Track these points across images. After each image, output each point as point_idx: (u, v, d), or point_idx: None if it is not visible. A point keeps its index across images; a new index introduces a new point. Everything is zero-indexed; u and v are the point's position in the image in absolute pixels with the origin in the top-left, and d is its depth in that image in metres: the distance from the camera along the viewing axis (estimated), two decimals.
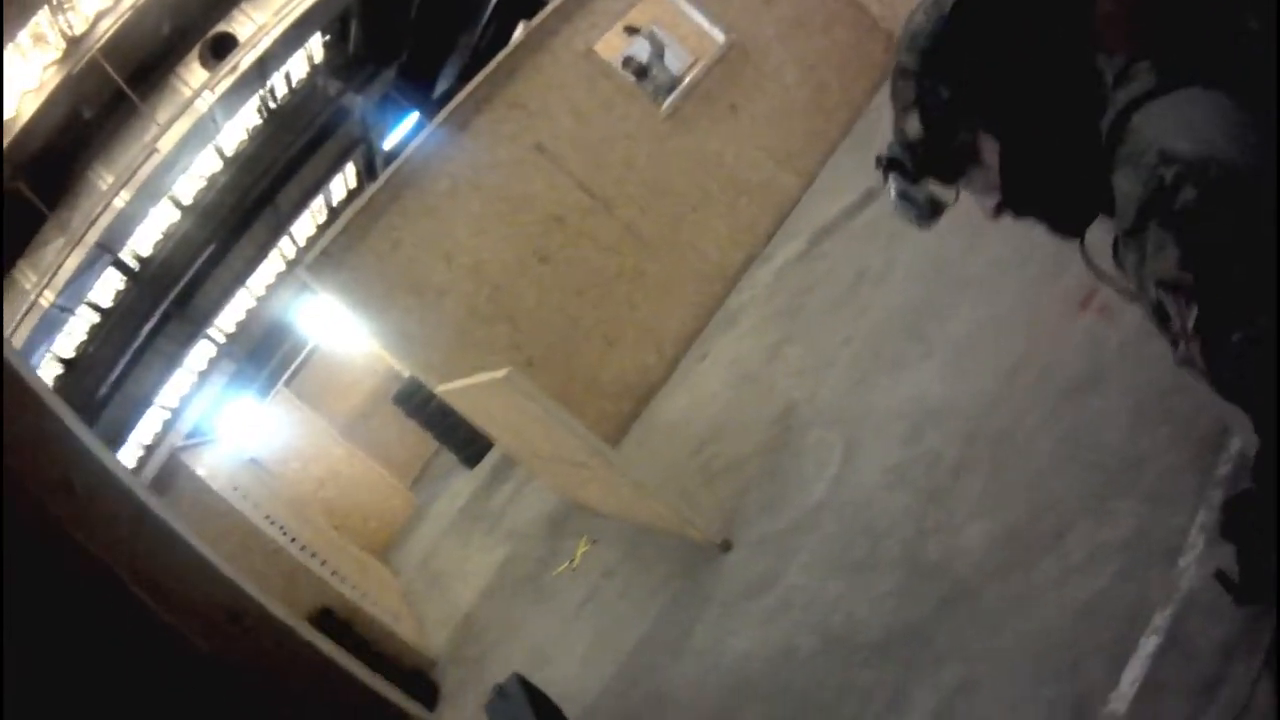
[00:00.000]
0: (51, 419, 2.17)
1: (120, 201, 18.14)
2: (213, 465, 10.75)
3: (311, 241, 24.63)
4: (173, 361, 23.77)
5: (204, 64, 18.82)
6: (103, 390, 21.32)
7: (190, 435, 14.78)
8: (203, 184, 21.09)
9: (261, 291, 26.41)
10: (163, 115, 18.33)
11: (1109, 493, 3.29)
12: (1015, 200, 2.19)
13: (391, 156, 9.02)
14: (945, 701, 3.25)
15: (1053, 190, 2.13)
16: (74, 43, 16.23)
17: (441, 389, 9.09)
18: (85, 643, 2.07)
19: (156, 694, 2.16)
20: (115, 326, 20.85)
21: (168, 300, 21.66)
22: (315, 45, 22.04)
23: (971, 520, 3.90)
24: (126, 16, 16.46)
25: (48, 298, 17.75)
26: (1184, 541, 2.80)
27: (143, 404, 23.49)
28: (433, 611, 11.14)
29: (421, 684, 8.89)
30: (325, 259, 9.24)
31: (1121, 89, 1.84)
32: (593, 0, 10.25)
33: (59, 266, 17.58)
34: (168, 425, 24.34)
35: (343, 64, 23.42)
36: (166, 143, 18.36)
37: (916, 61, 2.12)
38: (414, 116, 26.21)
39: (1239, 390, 1.69)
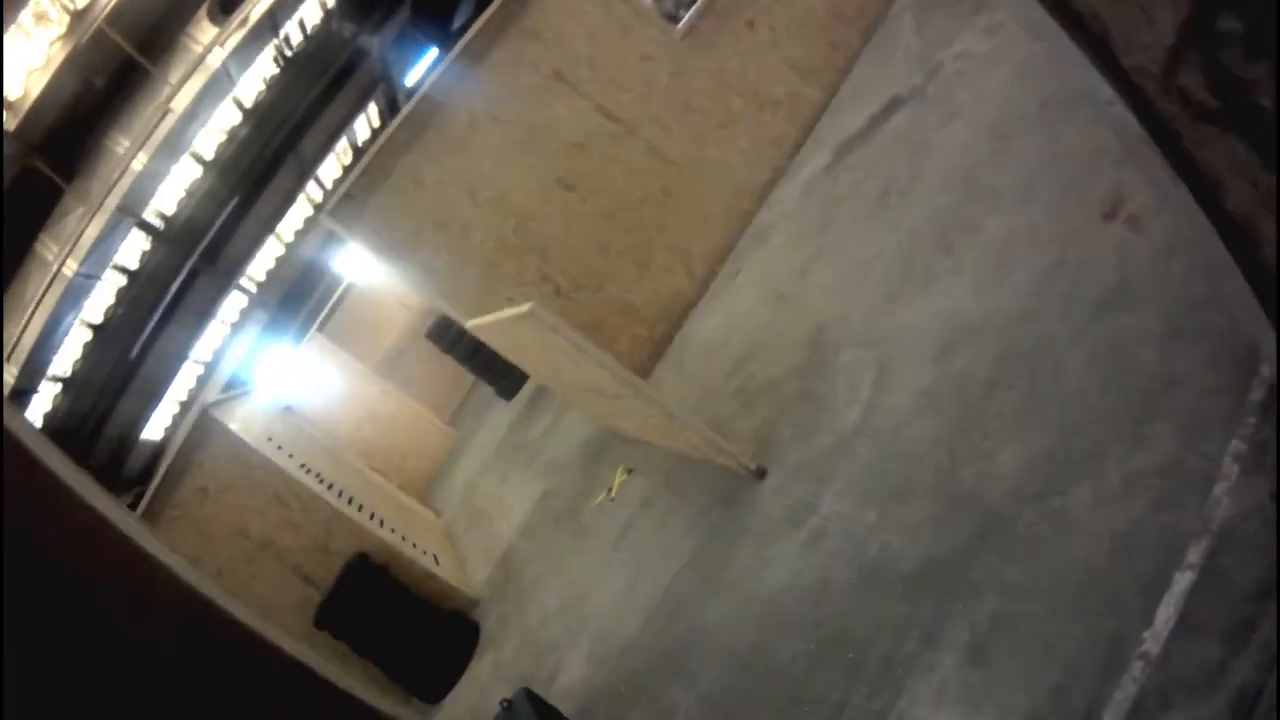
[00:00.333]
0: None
1: (138, 164, 18.10)
2: (246, 418, 10.81)
3: (338, 183, 24.57)
4: (205, 316, 23.91)
5: (213, 20, 18.61)
6: (135, 351, 21.53)
7: (227, 387, 14.87)
8: (223, 138, 20.99)
9: (290, 238, 26.43)
10: (175, 75, 18.21)
11: (1143, 415, 3.19)
12: None
13: (413, 93, 8.92)
14: (980, 637, 3.19)
15: None
16: (78, 16, 16.14)
17: (472, 324, 9.05)
18: (60, 661, 2.04)
19: (133, 712, 2.13)
20: (144, 287, 20.97)
21: (195, 255, 21.69)
22: None
23: (1005, 445, 3.81)
24: None
25: (71, 267, 17.86)
26: (1218, 470, 2.70)
27: (177, 361, 23.71)
28: (473, 549, 11.24)
29: (463, 625, 8.99)
30: (348, 202, 9.17)
31: None
32: None
33: (80, 235, 17.66)
34: (202, 380, 24.61)
35: (357, 5, 23.10)
36: (181, 101, 18.26)
37: None
38: (433, 52, 25.87)
39: None
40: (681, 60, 10.03)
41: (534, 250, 9.60)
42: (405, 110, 9.41)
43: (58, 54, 16.08)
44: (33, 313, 17.88)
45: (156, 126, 18.02)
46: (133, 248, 20.31)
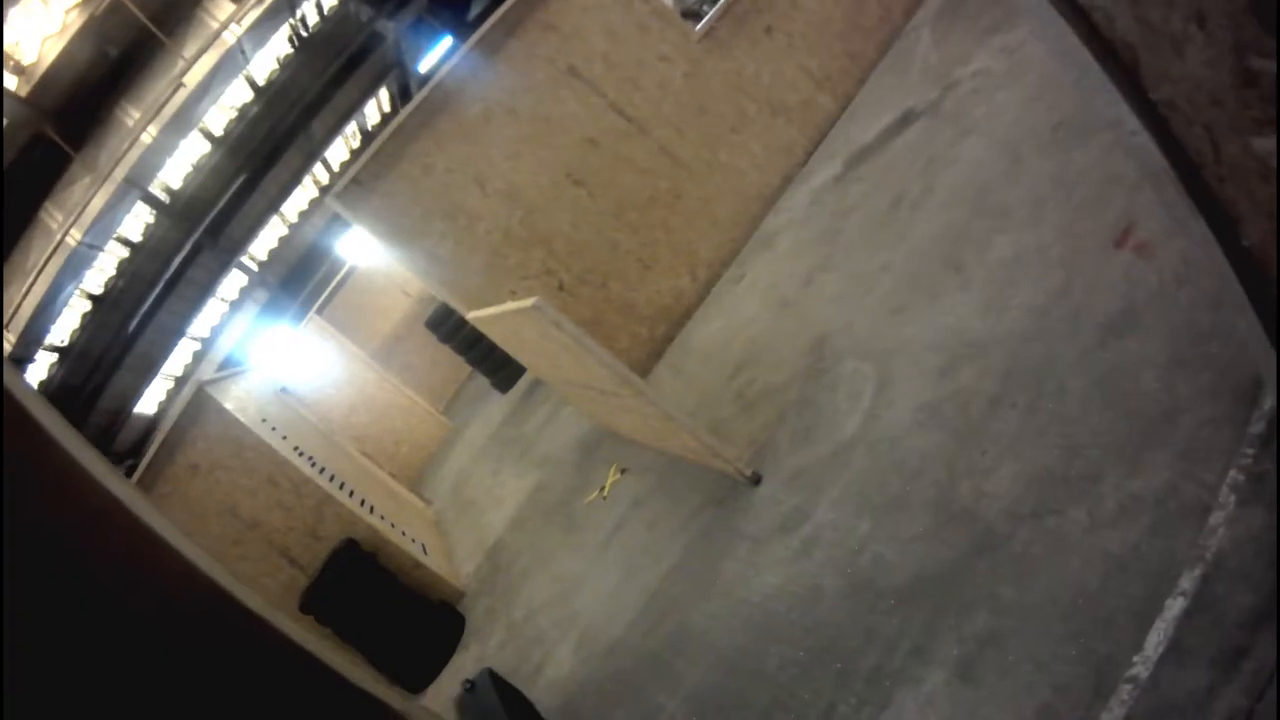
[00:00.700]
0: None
1: (147, 137, 18.10)
2: (241, 397, 10.79)
3: (345, 167, 24.54)
4: (205, 292, 23.90)
5: None
6: (133, 324, 21.50)
7: (223, 366, 14.86)
8: (234, 114, 20.98)
9: (294, 219, 26.41)
10: (189, 49, 18.21)
11: (1143, 441, 3.21)
12: None
13: (426, 80, 8.87)
14: (970, 653, 3.21)
15: None
16: None
17: (473, 315, 9.06)
18: (58, 639, 2.04)
19: (131, 690, 2.14)
20: (146, 260, 20.95)
21: (199, 231, 21.69)
22: None
23: (1003, 462, 3.83)
24: None
25: (75, 236, 17.85)
26: (1215, 500, 2.72)
27: (174, 336, 23.69)
28: (463, 540, 11.24)
29: (449, 616, 8.99)
30: (356, 186, 9.17)
31: None
32: None
33: (85, 205, 17.65)
34: (199, 357, 24.58)
35: None
36: (194, 76, 18.26)
37: None
38: (448, 41, 25.86)
39: None
40: (698, 62, 10.05)
41: (539, 244, 9.61)
42: (418, 97, 9.41)
43: (74, 21, 16.06)
44: (33, 281, 17.87)
45: (168, 100, 18.02)
46: (137, 220, 20.30)
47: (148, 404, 24.13)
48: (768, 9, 10.32)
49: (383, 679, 8.51)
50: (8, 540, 1.90)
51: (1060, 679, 2.81)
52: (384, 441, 18.70)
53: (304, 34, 21.35)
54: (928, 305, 5.53)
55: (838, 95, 10.44)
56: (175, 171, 20.37)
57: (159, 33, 17.72)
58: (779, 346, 7.14)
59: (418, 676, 8.53)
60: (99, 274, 20.19)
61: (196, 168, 20.87)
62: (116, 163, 17.78)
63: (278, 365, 18.98)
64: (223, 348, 25.14)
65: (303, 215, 26.50)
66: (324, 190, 25.46)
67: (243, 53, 19.23)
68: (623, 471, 8.04)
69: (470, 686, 4.81)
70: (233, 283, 25.59)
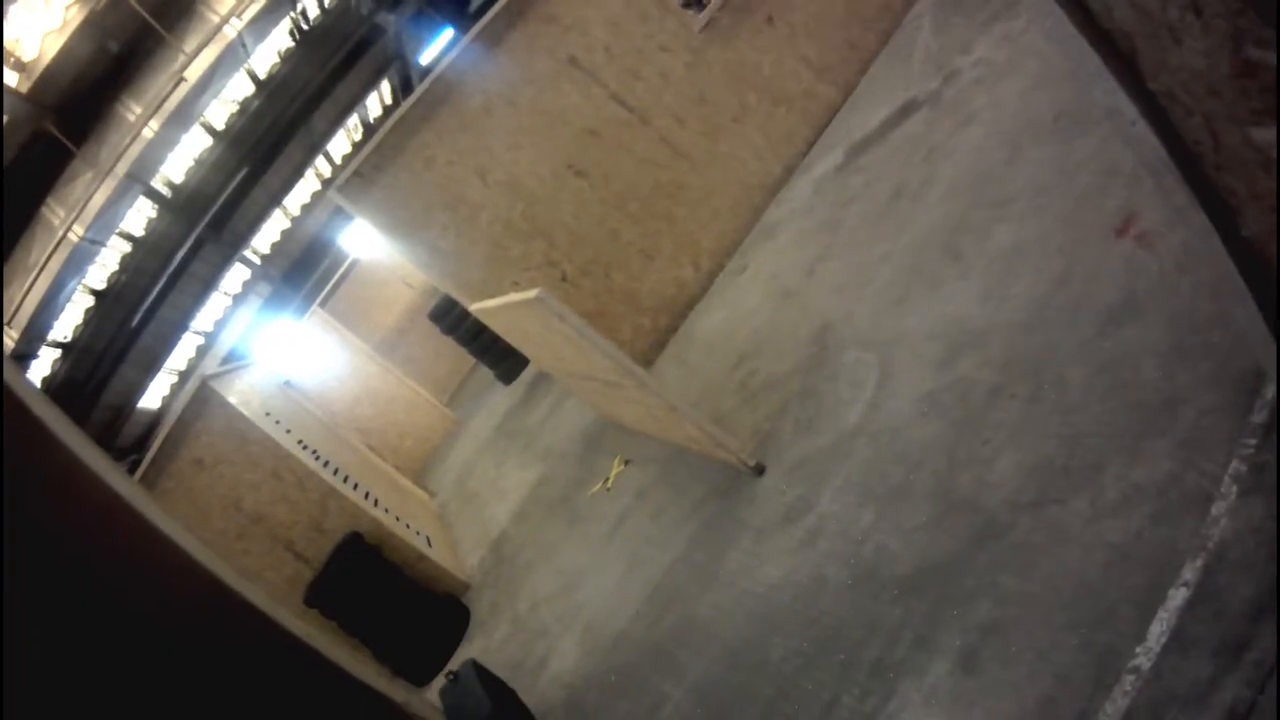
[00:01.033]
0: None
1: (149, 132, 18.11)
2: (245, 391, 10.79)
3: (347, 159, 24.53)
4: (207, 286, 23.93)
5: None
6: (136, 319, 21.52)
7: (226, 360, 14.86)
8: (235, 108, 20.99)
9: (297, 212, 26.41)
10: (190, 44, 18.20)
11: (1144, 431, 3.20)
12: None
13: (427, 72, 8.85)
14: (973, 643, 3.21)
15: None
16: None
17: (475, 307, 9.06)
18: (61, 635, 2.05)
19: (132, 684, 2.15)
20: (148, 255, 20.97)
21: (201, 225, 21.71)
22: None
23: (1005, 452, 3.83)
24: None
25: (77, 232, 17.86)
26: (1217, 490, 2.72)
27: (177, 330, 23.72)
28: (467, 533, 11.25)
29: (454, 609, 9.00)
30: (357, 179, 9.17)
31: None
32: None
33: (87, 200, 17.65)
34: (202, 351, 24.61)
35: None
36: (195, 71, 18.26)
37: None
38: (449, 32, 25.81)
39: None
40: (699, 52, 10.03)
41: (541, 235, 9.61)
42: (419, 89, 9.40)
43: (74, 17, 16.06)
44: (36, 277, 17.90)
45: (169, 95, 18.01)
46: (139, 215, 20.31)
47: (151, 399, 24.18)
48: None
49: (387, 672, 8.55)
50: (10, 538, 1.91)
51: (1062, 669, 2.81)
52: (388, 434, 18.72)
53: (305, 27, 21.34)
54: (929, 295, 5.52)
55: (839, 85, 10.41)
56: (177, 166, 20.39)
57: (159, 27, 17.72)
58: (781, 337, 7.14)
59: (423, 670, 8.55)
60: (102, 269, 20.23)
61: (198, 162, 20.89)
62: (118, 158, 17.79)
63: (281, 359, 18.96)
64: (226, 342, 25.18)
65: (305, 208, 26.51)
66: (326, 183, 25.47)
67: (244, 46, 19.22)
68: (626, 463, 8.05)
69: (454, 678, 4.83)
70: (235, 277, 25.61)
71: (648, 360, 9.66)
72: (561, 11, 9.64)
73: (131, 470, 10.53)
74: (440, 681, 8.32)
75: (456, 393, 23.02)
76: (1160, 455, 3.04)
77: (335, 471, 10.11)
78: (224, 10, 18.41)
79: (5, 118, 15.43)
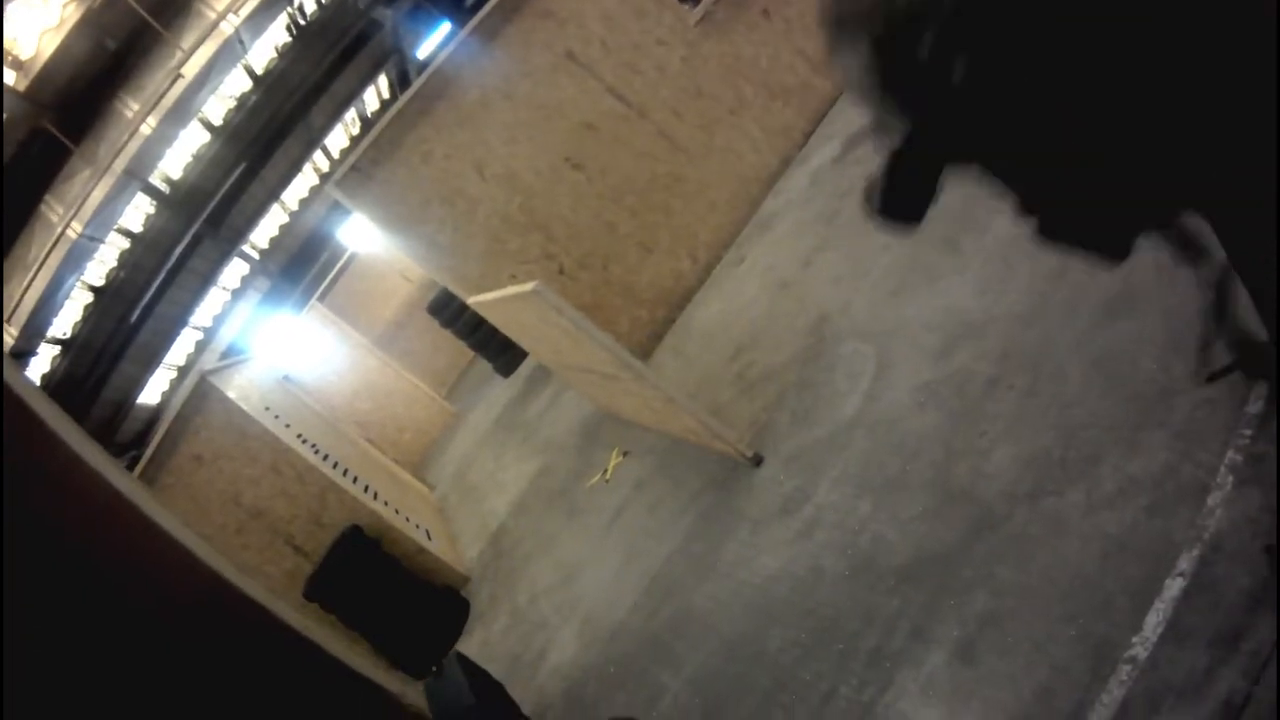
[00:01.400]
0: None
1: (147, 128, 18.09)
2: (244, 386, 10.78)
3: (345, 154, 24.50)
4: (206, 281, 23.92)
5: None
6: (135, 315, 21.51)
7: (225, 355, 14.86)
8: (233, 104, 20.96)
9: (295, 207, 26.38)
10: (187, 40, 18.18)
11: (1141, 422, 3.21)
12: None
13: (424, 66, 8.84)
14: (969, 634, 3.22)
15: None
16: None
17: (474, 300, 9.06)
18: (61, 632, 2.05)
19: (131, 679, 2.15)
20: (147, 251, 20.96)
21: (200, 220, 21.69)
22: None
23: (1001, 443, 3.83)
24: None
25: (75, 229, 17.85)
26: (1213, 480, 2.72)
27: (176, 326, 23.70)
28: (466, 525, 11.26)
29: (453, 601, 9.01)
30: (355, 174, 9.16)
31: None
32: None
33: (85, 197, 17.64)
34: (201, 346, 24.59)
35: None
36: (192, 67, 18.23)
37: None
38: (446, 27, 25.76)
39: None
40: (695, 46, 10.01)
41: (539, 228, 9.60)
42: (417, 84, 9.38)
43: (72, 15, 16.04)
44: (35, 274, 17.89)
45: (167, 91, 17.99)
46: (137, 211, 20.29)
47: (150, 394, 24.17)
48: None
49: (387, 665, 8.56)
50: (10, 535, 1.92)
51: (1059, 659, 2.82)
52: (387, 427, 18.71)
53: (302, 22, 21.31)
54: (926, 286, 5.53)
55: (835, 77, 10.39)
56: (175, 162, 20.36)
57: (156, 24, 17.69)
58: (779, 328, 7.14)
59: (422, 662, 8.56)
60: (100, 266, 20.22)
61: (196, 157, 20.86)
62: (116, 154, 17.78)
63: (280, 353, 18.93)
64: (225, 337, 25.17)
65: (303, 203, 26.48)
66: (324, 178, 25.43)
67: (241, 42, 19.19)
68: (624, 454, 8.06)
69: (438, 670, 4.83)
70: (234, 272, 25.59)
71: (645, 352, 9.66)
72: (558, 6, 9.62)
73: (131, 466, 10.52)
74: None
75: (455, 386, 23.00)
76: (1157, 446, 3.04)
77: (334, 465, 10.12)
78: (221, 6, 18.38)
79: (4, 116, 15.41)
